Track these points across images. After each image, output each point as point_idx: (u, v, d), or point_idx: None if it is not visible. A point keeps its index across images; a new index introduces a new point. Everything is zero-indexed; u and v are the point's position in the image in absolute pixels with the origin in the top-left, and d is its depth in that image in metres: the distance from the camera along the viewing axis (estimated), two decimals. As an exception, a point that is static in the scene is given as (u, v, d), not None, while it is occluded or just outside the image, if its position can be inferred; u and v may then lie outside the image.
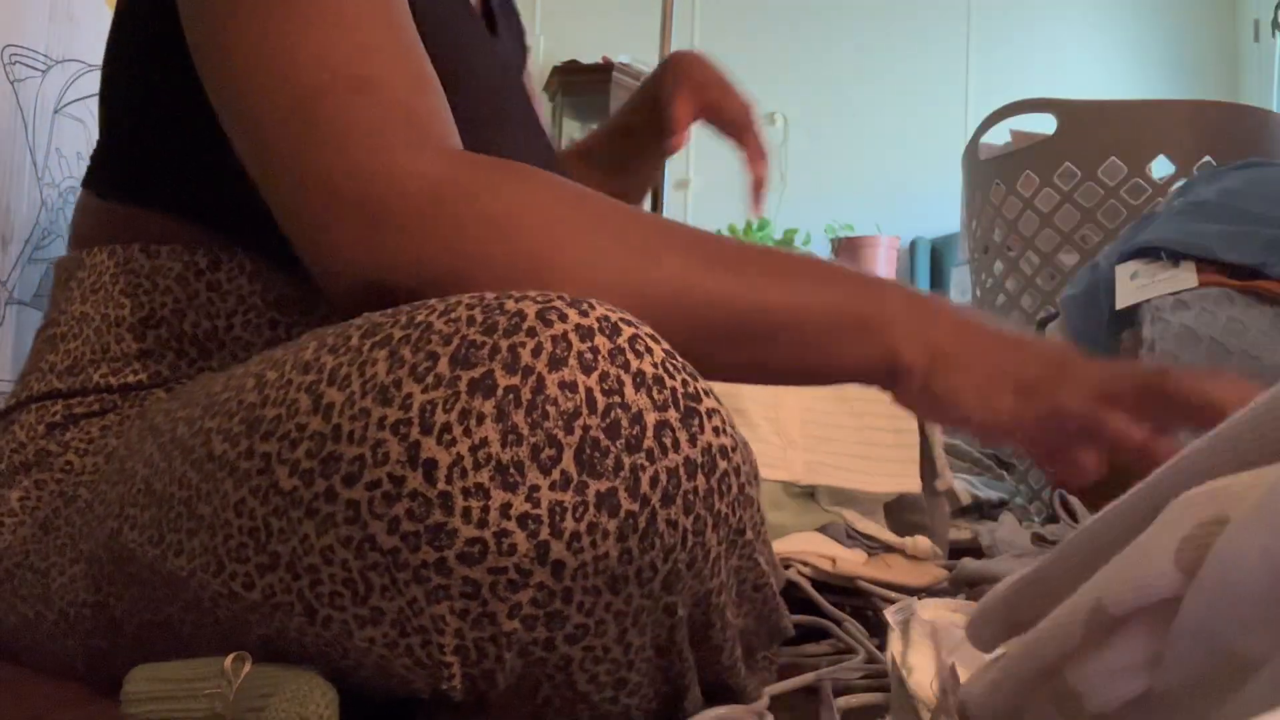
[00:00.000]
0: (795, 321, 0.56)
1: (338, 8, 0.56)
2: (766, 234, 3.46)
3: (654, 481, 0.43)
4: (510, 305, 0.45)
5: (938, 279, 3.73)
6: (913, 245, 3.80)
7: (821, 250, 3.63)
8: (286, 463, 0.45)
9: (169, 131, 0.66)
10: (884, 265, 3.46)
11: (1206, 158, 1.28)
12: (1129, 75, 3.93)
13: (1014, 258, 1.37)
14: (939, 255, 3.77)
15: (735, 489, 0.47)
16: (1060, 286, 1.31)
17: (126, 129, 0.70)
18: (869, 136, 4.02)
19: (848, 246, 3.46)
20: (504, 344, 0.43)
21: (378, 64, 0.55)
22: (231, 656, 0.47)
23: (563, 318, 0.44)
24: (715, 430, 0.46)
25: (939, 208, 3.70)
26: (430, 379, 0.43)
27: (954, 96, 4.05)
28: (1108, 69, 3.96)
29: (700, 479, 0.45)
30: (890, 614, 0.56)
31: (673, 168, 3.25)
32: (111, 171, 0.71)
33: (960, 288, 2.85)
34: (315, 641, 0.47)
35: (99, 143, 0.73)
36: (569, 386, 0.43)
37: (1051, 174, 1.33)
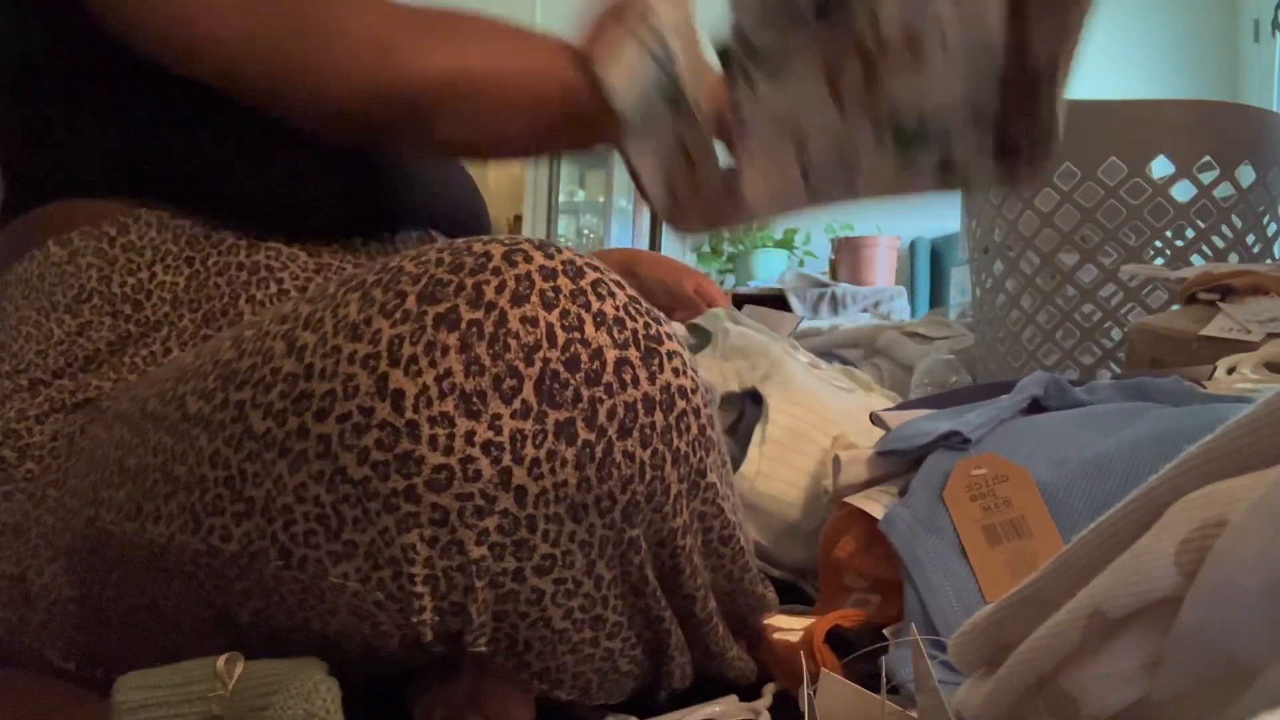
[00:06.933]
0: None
1: None
2: (766, 234, 3.46)
3: (611, 414, 0.45)
4: (478, 247, 0.47)
5: (938, 279, 3.72)
6: (913, 245, 3.79)
7: (822, 250, 3.63)
8: (260, 406, 0.46)
9: (56, 112, 0.68)
10: (884, 265, 3.45)
11: (1206, 157, 1.28)
12: (1129, 75, 3.92)
13: (1014, 257, 1.36)
14: (939, 255, 3.76)
15: (695, 429, 0.48)
16: (1060, 286, 1.31)
17: (10, 130, 0.72)
18: (869, 136, 4.02)
19: (847, 246, 3.46)
20: (469, 281, 0.45)
21: None
22: (224, 657, 0.46)
23: (528, 259, 0.46)
24: (675, 371, 0.47)
25: (939, 208, 3.68)
26: (399, 314, 0.44)
27: (954, 96, 4.03)
28: (1107, 69, 3.96)
29: (658, 415, 0.46)
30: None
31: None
32: (9, 189, 0.73)
33: (960, 288, 2.84)
34: (292, 588, 0.48)
35: None
36: (530, 321, 0.44)
37: (1051, 174, 1.32)
